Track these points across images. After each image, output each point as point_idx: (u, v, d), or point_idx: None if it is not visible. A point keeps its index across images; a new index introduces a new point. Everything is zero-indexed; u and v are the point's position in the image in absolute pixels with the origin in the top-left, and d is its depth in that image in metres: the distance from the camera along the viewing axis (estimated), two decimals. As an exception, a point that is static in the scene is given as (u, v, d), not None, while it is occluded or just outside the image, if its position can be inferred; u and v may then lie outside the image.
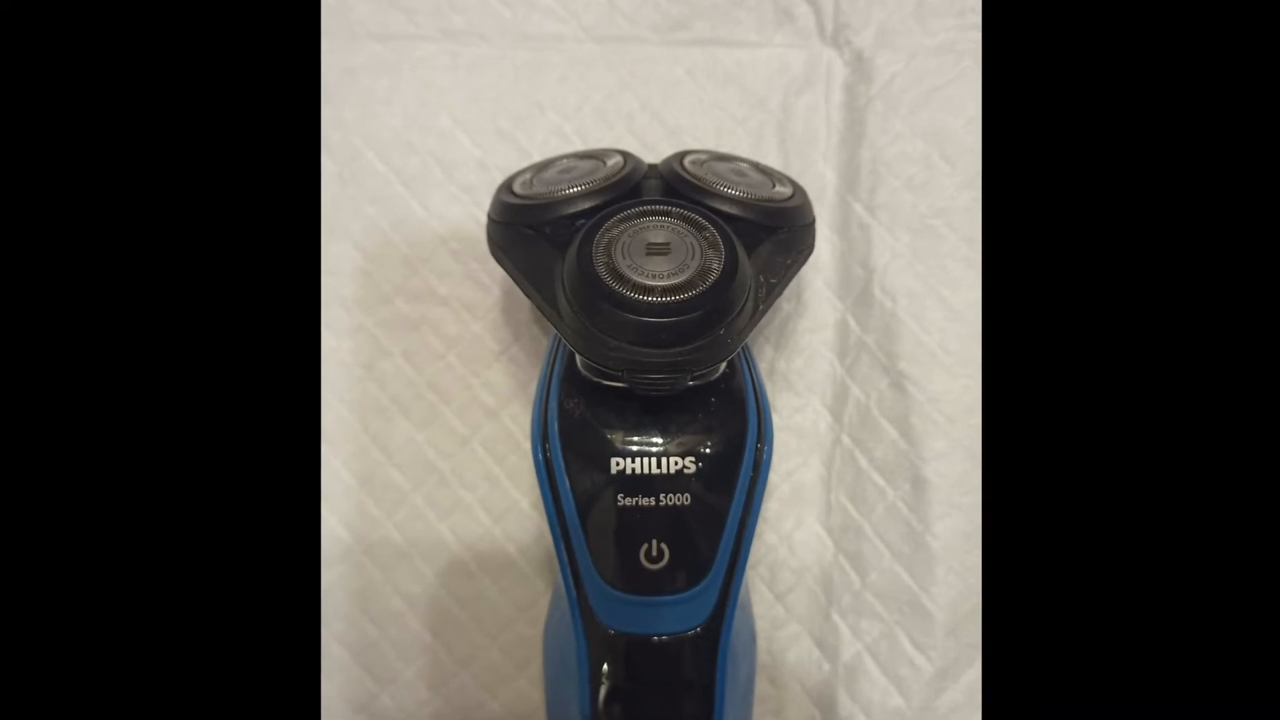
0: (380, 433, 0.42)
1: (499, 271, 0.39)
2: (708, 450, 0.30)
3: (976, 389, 0.40)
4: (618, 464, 0.29)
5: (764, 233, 0.31)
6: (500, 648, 0.41)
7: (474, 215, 0.43)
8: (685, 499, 0.30)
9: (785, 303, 0.43)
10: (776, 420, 0.41)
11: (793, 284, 0.39)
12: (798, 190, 0.34)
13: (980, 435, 0.40)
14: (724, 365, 0.31)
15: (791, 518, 0.41)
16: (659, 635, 0.30)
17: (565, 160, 0.34)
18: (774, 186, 0.33)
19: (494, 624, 0.41)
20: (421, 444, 0.42)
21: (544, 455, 0.30)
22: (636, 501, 0.29)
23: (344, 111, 0.43)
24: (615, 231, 0.29)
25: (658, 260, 0.28)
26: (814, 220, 0.33)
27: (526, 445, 0.41)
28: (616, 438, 0.30)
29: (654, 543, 0.30)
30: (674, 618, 0.30)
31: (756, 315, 0.29)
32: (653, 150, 0.43)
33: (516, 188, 0.32)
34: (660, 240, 0.28)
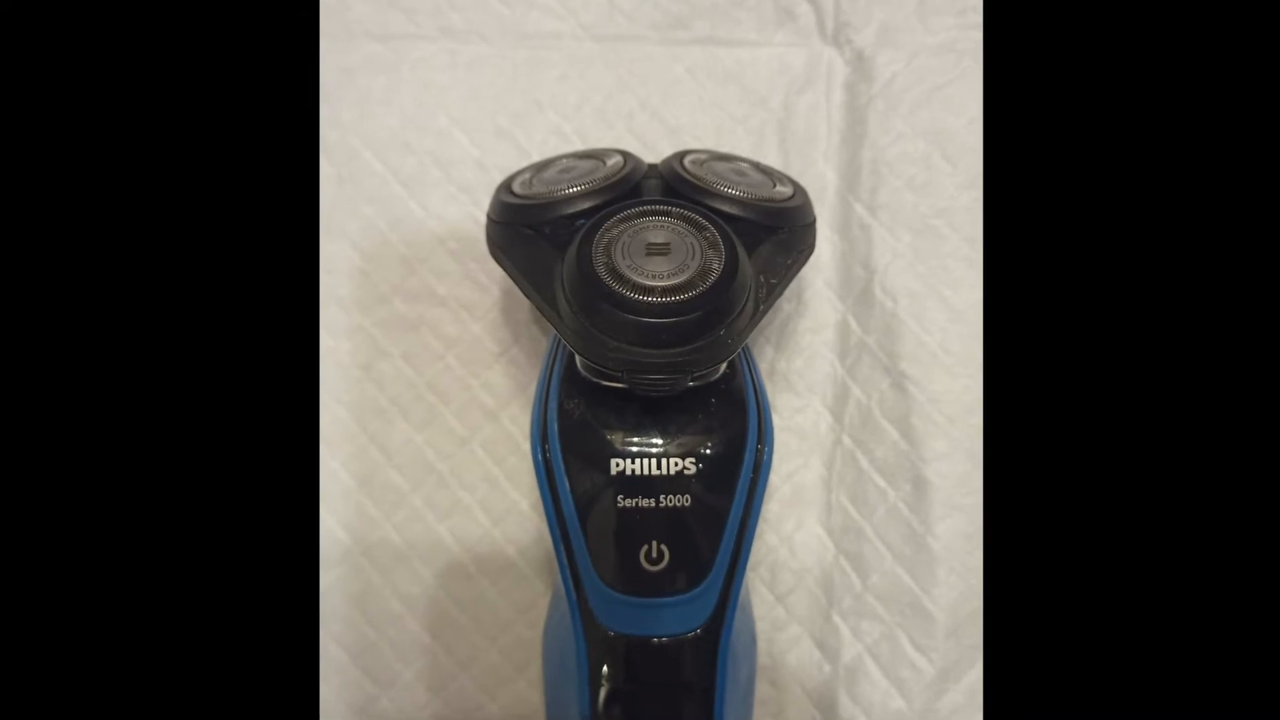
0: (379, 434, 0.41)
1: (498, 272, 0.39)
2: (708, 451, 0.30)
3: (978, 389, 0.40)
4: (617, 465, 0.29)
5: (764, 233, 0.31)
6: (500, 650, 0.41)
7: (473, 215, 0.43)
8: (685, 500, 0.29)
9: (786, 303, 0.42)
10: (777, 421, 0.41)
11: (793, 284, 0.39)
12: (798, 190, 0.33)
13: (981, 436, 0.40)
14: (724, 366, 0.31)
15: (792, 519, 0.41)
16: (659, 637, 0.30)
17: (565, 160, 0.34)
18: (774, 186, 0.33)
19: (493, 626, 0.41)
20: (420, 445, 0.41)
21: (543, 456, 0.30)
22: (636, 503, 0.29)
23: (342, 111, 0.43)
24: (615, 231, 0.28)
25: (658, 260, 0.28)
26: (814, 220, 0.33)
27: (526, 446, 0.41)
28: (616, 439, 0.30)
29: (654, 544, 0.29)
30: (674, 619, 0.30)
31: (757, 316, 0.29)
32: (652, 150, 0.43)
33: (516, 187, 0.32)
34: (660, 240, 0.28)
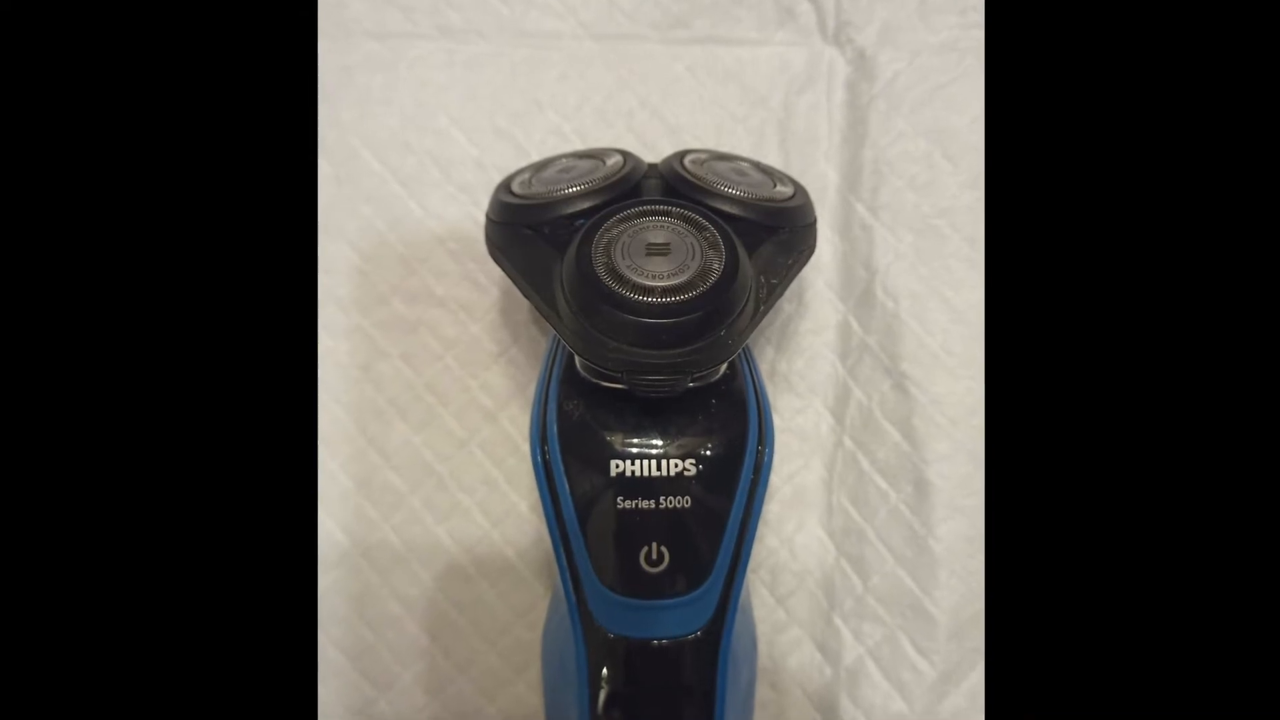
0: (377, 435, 0.41)
1: (497, 272, 0.39)
2: (708, 452, 0.30)
3: (979, 391, 0.40)
4: (617, 466, 0.29)
5: (765, 233, 0.31)
6: (499, 652, 0.40)
7: (472, 215, 0.43)
8: (685, 502, 0.29)
9: (786, 304, 0.42)
10: (778, 422, 0.41)
11: (794, 285, 0.39)
12: (799, 190, 0.33)
13: (983, 437, 0.40)
14: (724, 367, 0.31)
15: (793, 520, 0.41)
16: (659, 639, 0.30)
17: (564, 159, 0.33)
18: (775, 186, 0.33)
19: (492, 628, 0.40)
20: (419, 446, 0.41)
21: (543, 458, 0.30)
22: (636, 504, 0.29)
23: (340, 110, 0.43)
24: (615, 232, 0.28)
25: (657, 261, 0.28)
26: (815, 220, 0.33)
27: (525, 448, 0.41)
28: (616, 440, 0.30)
29: (654, 546, 0.29)
30: (674, 621, 0.30)
31: (757, 316, 0.29)
32: (652, 149, 0.43)
33: (515, 187, 0.32)
34: (660, 240, 0.28)
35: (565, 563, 0.30)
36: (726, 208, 0.30)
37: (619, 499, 0.29)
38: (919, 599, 0.39)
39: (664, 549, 0.29)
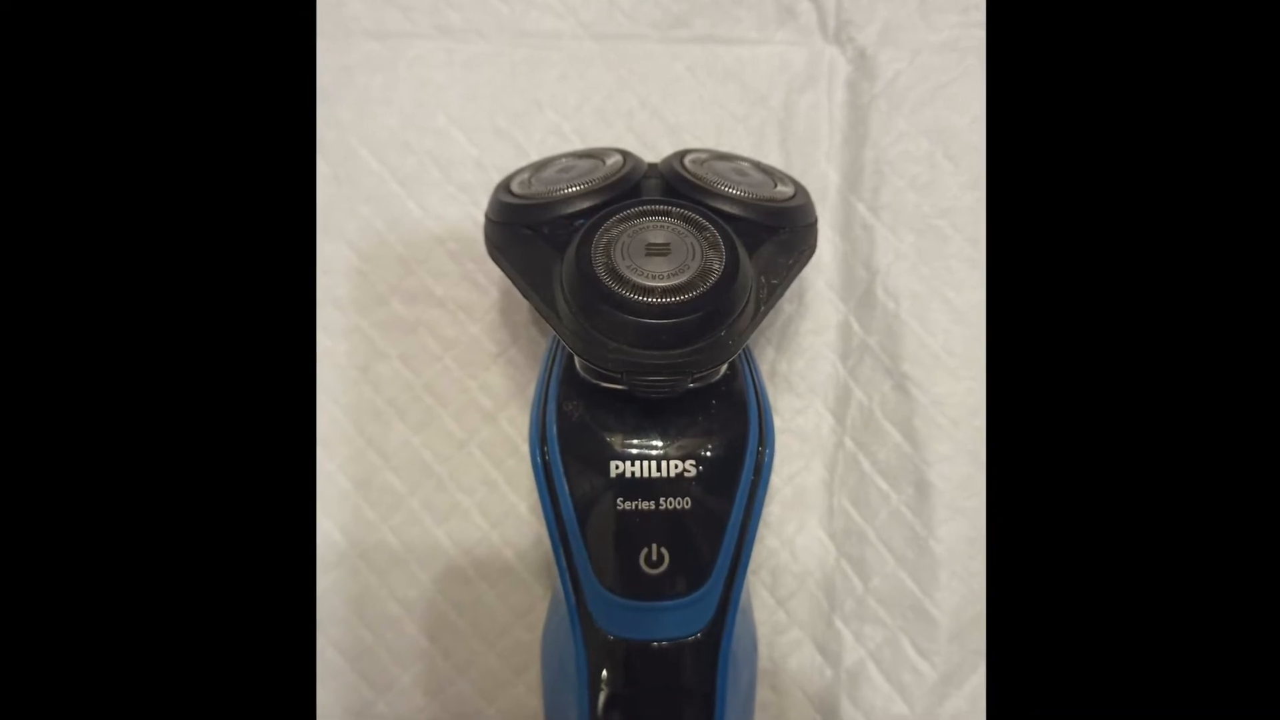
0: (376, 436, 0.41)
1: (496, 272, 0.39)
2: (708, 453, 0.29)
3: (981, 391, 0.40)
4: (617, 467, 0.29)
5: (765, 233, 0.31)
6: (498, 654, 0.40)
7: (471, 215, 0.43)
8: (685, 503, 0.29)
9: (787, 304, 0.42)
10: (778, 423, 0.41)
11: (794, 285, 0.39)
12: (799, 190, 0.33)
13: (984, 439, 0.40)
14: (725, 367, 0.31)
15: (793, 522, 0.41)
16: (659, 641, 0.30)
17: (564, 159, 0.33)
18: (775, 186, 0.33)
19: (491, 630, 0.40)
20: (418, 447, 0.41)
21: (542, 459, 0.30)
22: (636, 505, 0.29)
23: (339, 110, 0.43)
24: (615, 232, 0.28)
25: (657, 261, 0.28)
26: (816, 220, 0.33)
27: (524, 448, 0.41)
28: (616, 441, 0.29)
29: (654, 547, 0.29)
30: (674, 623, 0.30)
31: (758, 317, 0.29)
32: (652, 149, 0.43)
33: (514, 187, 0.32)
34: (660, 240, 0.28)
35: (565, 564, 0.30)
36: (727, 208, 0.30)
37: (619, 500, 0.29)
38: (920, 601, 0.39)
39: (664, 550, 0.29)
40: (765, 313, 0.29)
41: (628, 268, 0.27)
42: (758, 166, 0.34)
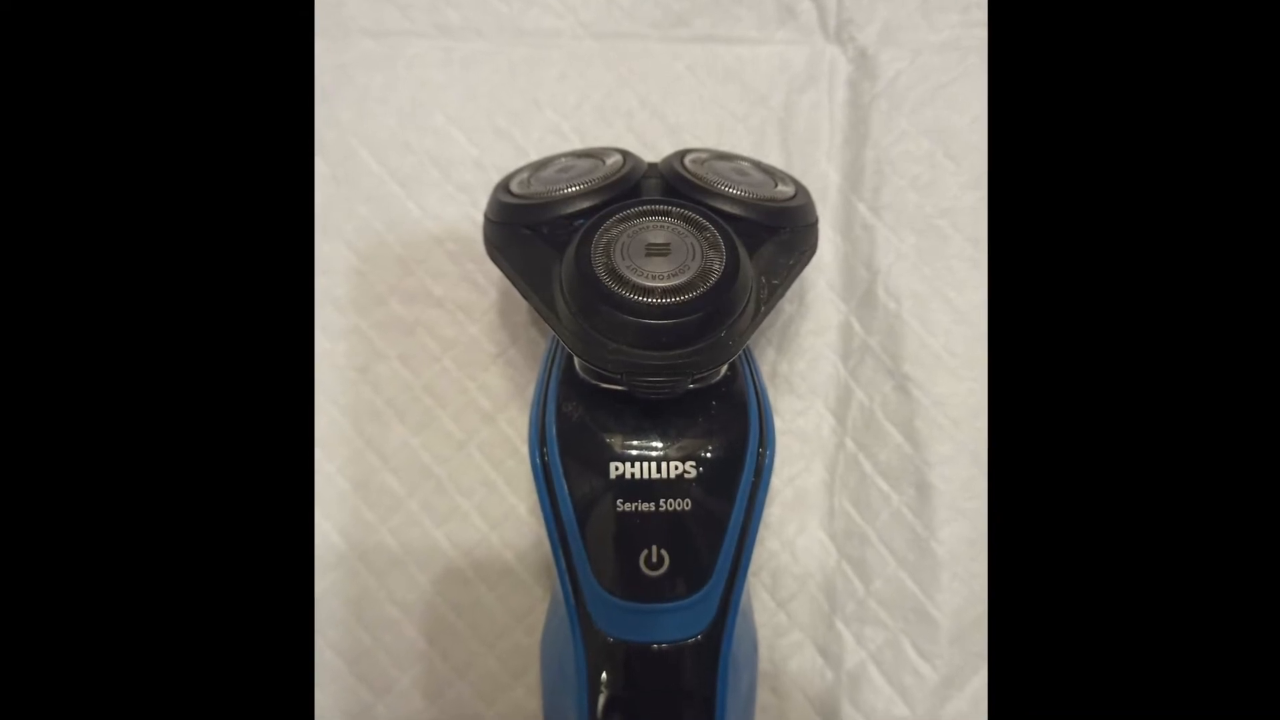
0: (375, 437, 0.41)
1: (496, 273, 0.39)
2: (708, 455, 0.29)
3: (982, 392, 0.40)
4: (617, 469, 0.29)
5: (766, 233, 0.31)
6: (497, 656, 0.40)
7: (470, 215, 0.42)
8: (685, 504, 0.29)
9: (787, 304, 0.42)
10: (779, 424, 0.41)
11: (795, 285, 0.39)
12: (800, 190, 0.33)
13: (986, 439, 0.40)
14: (725, 368, 0.31)
15: (794, 523, 0.41)
16: (659, 643, 0.30)
17: (563, 159, 0.33)
18: (776, 186, 0.33)
19: (491, 632, 0.40)
20: (417, 448, 0.41)
21: (542, 460, 0.30)
22: (636, 507, 0.29)
23: (337, 109, 0.43)
24: (614, 232, 0.28)
25: (657, 261, 0.27)
26: (817, 220, 0.33)
27: (524, 450, 0.41)
28: (615, 442, 0.29)
29: (654, 549, 0.29)
30: (674, 625, 0.30)
31: (758, 317, 0.29)
32: (652, 149, 0.43)
33: (514, 187, 0.32)
34: (660, 241, 0.28)
35: (564, 566, 0.30)
36: (727, 208, 0.30)
37: (618, 501, 0.29)
38: (921, 602, 0.39)
39: (664, 552, 0.29)
40: (766, 313, 0.29)
41: (627, 268, 0.27)
42: (758, 166, 0.34)
